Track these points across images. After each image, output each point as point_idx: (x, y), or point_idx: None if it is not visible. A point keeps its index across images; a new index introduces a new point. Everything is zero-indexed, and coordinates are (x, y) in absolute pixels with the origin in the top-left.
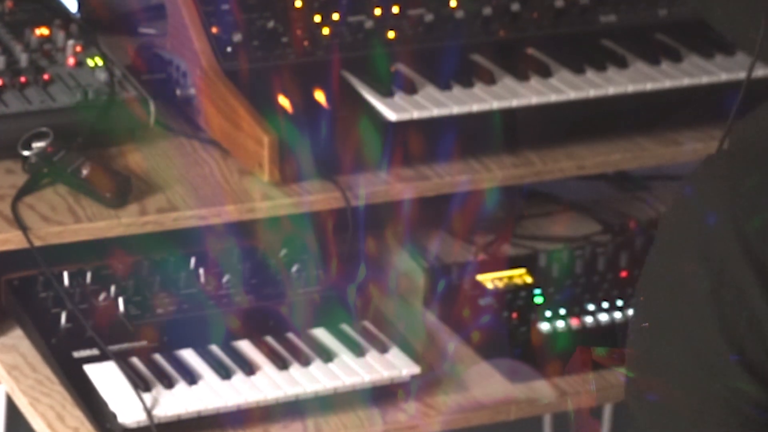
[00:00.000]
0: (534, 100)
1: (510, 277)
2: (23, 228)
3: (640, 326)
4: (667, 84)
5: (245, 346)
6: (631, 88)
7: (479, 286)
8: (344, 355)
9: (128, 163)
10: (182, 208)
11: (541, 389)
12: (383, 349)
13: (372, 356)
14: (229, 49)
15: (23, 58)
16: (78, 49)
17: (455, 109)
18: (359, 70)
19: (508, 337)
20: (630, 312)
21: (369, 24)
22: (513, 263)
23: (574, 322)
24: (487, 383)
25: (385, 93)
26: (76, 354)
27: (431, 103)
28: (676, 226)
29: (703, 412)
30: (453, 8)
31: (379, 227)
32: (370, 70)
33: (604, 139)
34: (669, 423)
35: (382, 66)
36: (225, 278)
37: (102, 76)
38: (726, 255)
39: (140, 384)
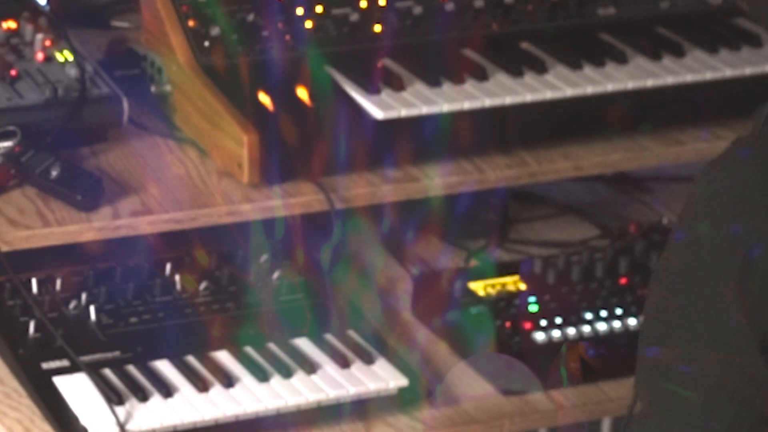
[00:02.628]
0: (528, 97)
1: (503, 284)
2: None
3: (658, 303)
4: (669, 80)
5: (224, 357)
6: (631, 85)
7: (470, 293)
8: (328, 367)
9: (100, 164)
10: (157, 211)
11: (535, 395)
12: (369, 360)
13: (357, 368)
14: (206, 43)
15: None
16: (47, 43)
17: (445, 107)
18: (344, 66)
19: (501, 347)
20: (634, 321)
21: (354, 17)
22: (506, 269)
23: (571, 332)
24: (479, 396)
25: (372, 90)
26: (46, 365)
27: (420, 101)
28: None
29: (717, 402)
30: (443, 0)
31: (366, 232)
32: (355, 66)
33: (602, 138)
34: (679, 411)
35: (369, 61)
36: (202, 285)
37: (72, 71)
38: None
39: (113, 397)
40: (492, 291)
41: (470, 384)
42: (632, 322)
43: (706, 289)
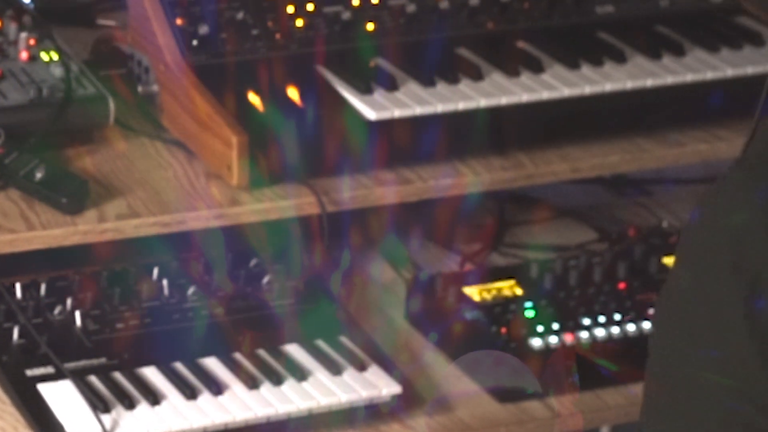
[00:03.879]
0: (525, 97)
1: (499, 289)
2: None
3: (667, 345)
4: (669, 80)
5: (212, 363)
6: (630, 85)
7: (465, 298)
8: (320, 374)
9: (86, 166)
10: (144, 214)
11: (531, 403)
12: (362, 367)
13: (350, 375)
14: (195, 42)
15: None
16: (31, 42)
17: (439, 108)
18: (336, 65)
19: None
20: (633, 327)
21: (346, 15)
22: (502, 274)
23: (568, 338)
24: (475, 403)
25: (364, 90)
26: (30, 372)
27: (414, 101)
28: (704, 238)
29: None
30: None
31: (358, 235)
32: (347, 65)
33: (600, 139)
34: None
35: (361, 61)
36: (190, 290)
37: (57, 71)
38: (759, 264)
39: (99, 405)
40: (488, 296)
41: (464, 387)
42: (631, 328)
43: (714, 330)
